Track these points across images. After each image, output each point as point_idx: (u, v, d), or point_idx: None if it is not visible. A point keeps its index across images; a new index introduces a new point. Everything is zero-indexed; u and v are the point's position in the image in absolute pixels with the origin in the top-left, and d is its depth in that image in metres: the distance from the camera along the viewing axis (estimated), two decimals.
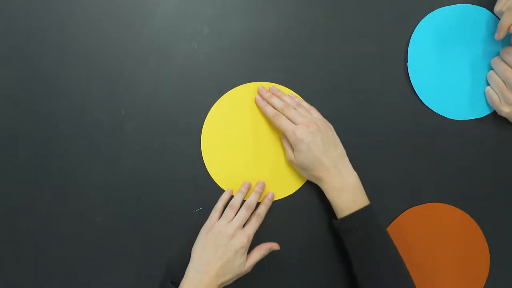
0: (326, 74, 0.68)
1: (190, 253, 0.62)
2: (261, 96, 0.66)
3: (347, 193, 0.61)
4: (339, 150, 0.63)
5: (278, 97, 0.65)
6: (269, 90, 0.66)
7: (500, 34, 0.63)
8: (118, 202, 0.66)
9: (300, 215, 0.67)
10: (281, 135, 0.66)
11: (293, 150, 0.63)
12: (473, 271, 0.69)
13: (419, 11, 0.68)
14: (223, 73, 0.67)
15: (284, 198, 0.67)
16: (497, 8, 0.64)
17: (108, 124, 0.66)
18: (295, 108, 0.64)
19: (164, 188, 0.66)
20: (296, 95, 0.67)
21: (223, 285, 0.61)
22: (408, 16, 0.69)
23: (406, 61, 0.68)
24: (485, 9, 0.68)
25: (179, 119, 0.66)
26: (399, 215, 0.68)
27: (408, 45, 0.68)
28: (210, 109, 0.66)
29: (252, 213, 0.64)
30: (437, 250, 0.68)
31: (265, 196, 0.65)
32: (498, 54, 0.67)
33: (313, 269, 0.67)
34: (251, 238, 0.61)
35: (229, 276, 0.60)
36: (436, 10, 0.68)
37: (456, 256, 0.69)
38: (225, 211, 0.63)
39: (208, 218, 0.63)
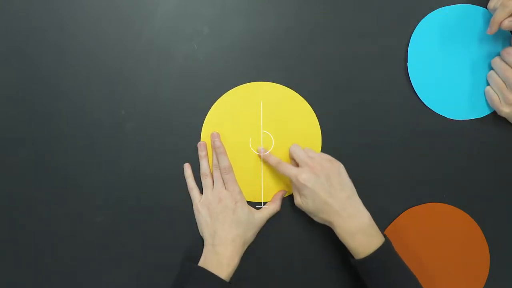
0: (326, 74, 0.68)
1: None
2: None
3: (361, 235, 0.59)
4: (348, 191, 0.60)
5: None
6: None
7: (492, 29, 0.64)
8: (118, 202, 0.66)
9: (300, 215, 0.67)
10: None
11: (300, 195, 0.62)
12: (473, 271, 0.69)
13: (419, 11, 0.68)
14: (223, 73, 0.67)
15: (284, 198, 0.67)
16: (490, 4, 0.65)
17: (108, 124, 0.66)
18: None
19: (164, 188, 0.66)
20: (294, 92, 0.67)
21: (246, 245, 0.62)
22: (408, 16, 0.69)
23: (406, 61, 0.68)
24: (485, 9, 0.68)
25: (179, 119, 0.66)
26: (399, 215, 0.68)
27: (408, 45, 0.68)
28: (209, 109, 0.66)
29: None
30: (437, 250, 0.68)
31: (214, 148, 0.65)
32: (498, 54, 0.67)
33: (313, 269, 0.67)
34: (238, 190, 0.63)
35: (244, 233, 0.62)
36: (436, 10, 0.68)
37: (456, 256, 0.69)
38: (202, 183, 0.65)
39: (192, 199, 0.65)
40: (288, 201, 0.67)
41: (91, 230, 0.65)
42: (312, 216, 0.63)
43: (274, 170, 0.66)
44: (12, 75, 0.66)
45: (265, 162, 0.65)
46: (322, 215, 0.60)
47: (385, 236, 0.60)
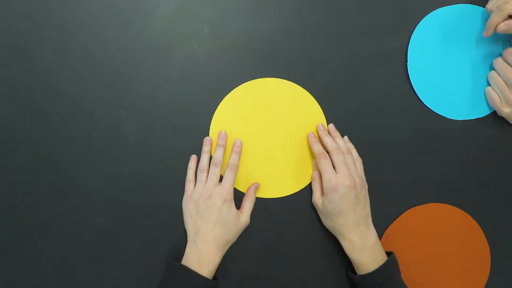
0: (326, 74, 0.68)
1: None
2: (316, 132, 0.66)
3: (366, 251, 0.61)
4: (366, 210, 0.63)
5: (333, 137, 0.65)
6: (327, 129, 0.66)
7: (488, 32, 0.64)
8: (118, 202, 0.66)
9: (303, 215, 0.67)
10: (313, 176, 0.66)
11: (322, 194, 0.63)
12: (474, 271, 0.69)
13: (419, 11, 0.68)
14: (223, 73, 0.67)
15: (289, 195, 0.67)
16: (488, 6, 0.65)
17: (108, 124, 0.66)
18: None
19: (164, 188, 0.66)
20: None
21: (228, 244, 0.61)
22: (408, 16, 0.69)
23: (406, 61, 0.68)
24: (485, 9, 0.68)
25: (179, 119, 0.66)
26: (399, 215, 0.68)
27: (408, 45, 0.68)
28: (209, 109, 0.66)
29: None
30: (437, 250, 0.68)
31: (233, 145, 0.65)
32: (498, 54, 0.67)
33: (313, 269, 0.67)
34: (230, 190, 0.61)
35: (227, 233, 0.60)
36: (436, 10, 0.68)
37: (457, 256, 0.69)
38: (197, 176, 0.64)
39: (185, 191, 0.64)
40: (288, 201, 0.67)
41: (91, 230, 0.65)
42: (322, 217, 0.64)
43: (278, 168, 0.66)
44: (12, 75, 0.66)
45: (310, 146, 0.65)
46: (333, 223, 0.62)
47: (389, 255, 0.62)
